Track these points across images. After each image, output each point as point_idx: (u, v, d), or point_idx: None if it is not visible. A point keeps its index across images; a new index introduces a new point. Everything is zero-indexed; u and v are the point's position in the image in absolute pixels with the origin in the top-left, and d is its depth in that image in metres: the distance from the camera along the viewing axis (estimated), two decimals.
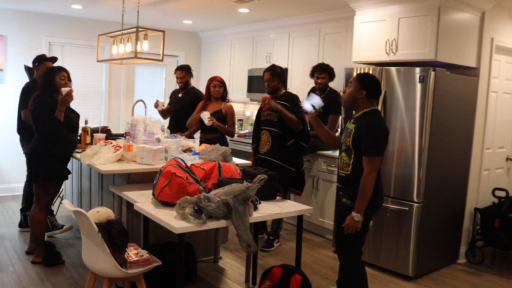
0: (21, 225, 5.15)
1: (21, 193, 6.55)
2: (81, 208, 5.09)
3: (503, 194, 4.77)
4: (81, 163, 5.00)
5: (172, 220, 2.85)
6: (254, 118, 7.56)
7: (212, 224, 2.89)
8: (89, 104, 7.11)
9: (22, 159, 6.39)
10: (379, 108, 4.30)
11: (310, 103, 3.32)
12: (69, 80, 4.23)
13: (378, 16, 4.73)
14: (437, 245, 4.50)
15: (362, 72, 4.57)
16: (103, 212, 3.01)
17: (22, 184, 6.42)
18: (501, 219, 4.54)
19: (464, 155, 4.67)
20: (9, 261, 4.25)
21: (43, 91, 4.11)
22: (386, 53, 4.63)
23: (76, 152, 4.43)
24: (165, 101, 7.91)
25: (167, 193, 3.17)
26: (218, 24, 7.26)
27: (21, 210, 5.16)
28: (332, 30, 5.82)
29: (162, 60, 4.82)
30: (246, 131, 7.05)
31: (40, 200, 4.19)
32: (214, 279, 4.09)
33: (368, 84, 3.13)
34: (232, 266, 4.41)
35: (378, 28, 4.73)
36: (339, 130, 5.45)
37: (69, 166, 4.49)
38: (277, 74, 4.74)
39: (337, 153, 5.17)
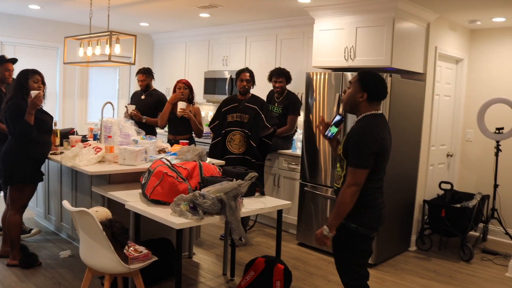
0: None
1: None
2: (49, 210, 5.13)
3: (448, 186, 5.31)
4: (48, 165, 5.02)
5: (169, 217, 3.04)
6: (209, 119, 7.78)
7: (207, 220, 3.11)
8: (43, 105, 7.01)
9: None
10: None
11: (332, 127, 3.01)
12: (43, 83, 4.28)
13: (336, 24, 5.11)
14: (392, 235, 4.95)
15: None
16: (102, 212, 3.13)
17: None
18: (447, 209, 5.06)
19: (413, 152, 5.15)
20: None
21: (16, 94, 4.14)
22: (345, 59, 5.02)
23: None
24: (120, 102, 7.95)
25: (159, 192, 3.34)
26: (175, 27, 7.40)
27: None
28: (289, 35, 6.15)
29: (134, 64, 4.94)
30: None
31: (15, 202, 4.20)
32: (192, 273, 4.30)
33: (370, 85, 2.75)
34: (207, 261, 4.63)
35: (336, 36, 5.11)
36: (298, 130, 5.80)
37: None
38: (253, 77, 5.06)
39: (297, 151, 5.53)
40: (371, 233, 2.81)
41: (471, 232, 5.43)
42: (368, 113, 2.77)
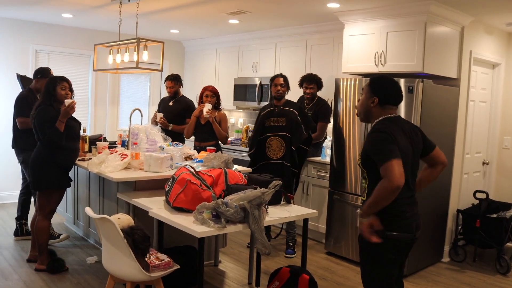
0: (16, 233, 5.14)
1: (8, 201, 6.55)
2: (78, 215, 5.18)
3: (483, 196, 5.10)
4: (77, 171, 5.08)
5: (191, 225, 3.00)
6: (239, 126, 7.75)
7: (230, 228, 3.06)
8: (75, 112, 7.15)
9: (10, 168, 6.42)
10: None
11: None
12: (71, 90, 4.32)
13: (366, 29, 5.00)
14: (424, 245, 4.77)
15: (353, 80, 4.83)
16: (124, 219, 3.12)
17: (9, 193, 6.42)
18: (482, 219, 4.86)
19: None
20: (12, 269, 4.28)
21: (44, 100, 4.19)
22: (375, 64, 4.90)
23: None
24: (151, 109, 8.02)
25: (182, 200, 3.31)
26: (205, 33, 7.42)
27: (16, 218, 5.15)
28: (319, 41, 6.07)
29: (161, 70, 4.96)
30: (232, 138, 7.22)
31: (43, 208, 4.25)
32: (218, 282, 4.25)
33: (380, 89, 2.71)
34: (233, 269, 4.57)
35: (367, 41, 5.00)
36: (327, 137, 5.70)
37: None
38: (288, 82, 4.99)
39: (326, 159, 5.43)
40: (400, 239, 2.66)
41: (508, 244, 5.19)
42: (382, 117, 2.71)
